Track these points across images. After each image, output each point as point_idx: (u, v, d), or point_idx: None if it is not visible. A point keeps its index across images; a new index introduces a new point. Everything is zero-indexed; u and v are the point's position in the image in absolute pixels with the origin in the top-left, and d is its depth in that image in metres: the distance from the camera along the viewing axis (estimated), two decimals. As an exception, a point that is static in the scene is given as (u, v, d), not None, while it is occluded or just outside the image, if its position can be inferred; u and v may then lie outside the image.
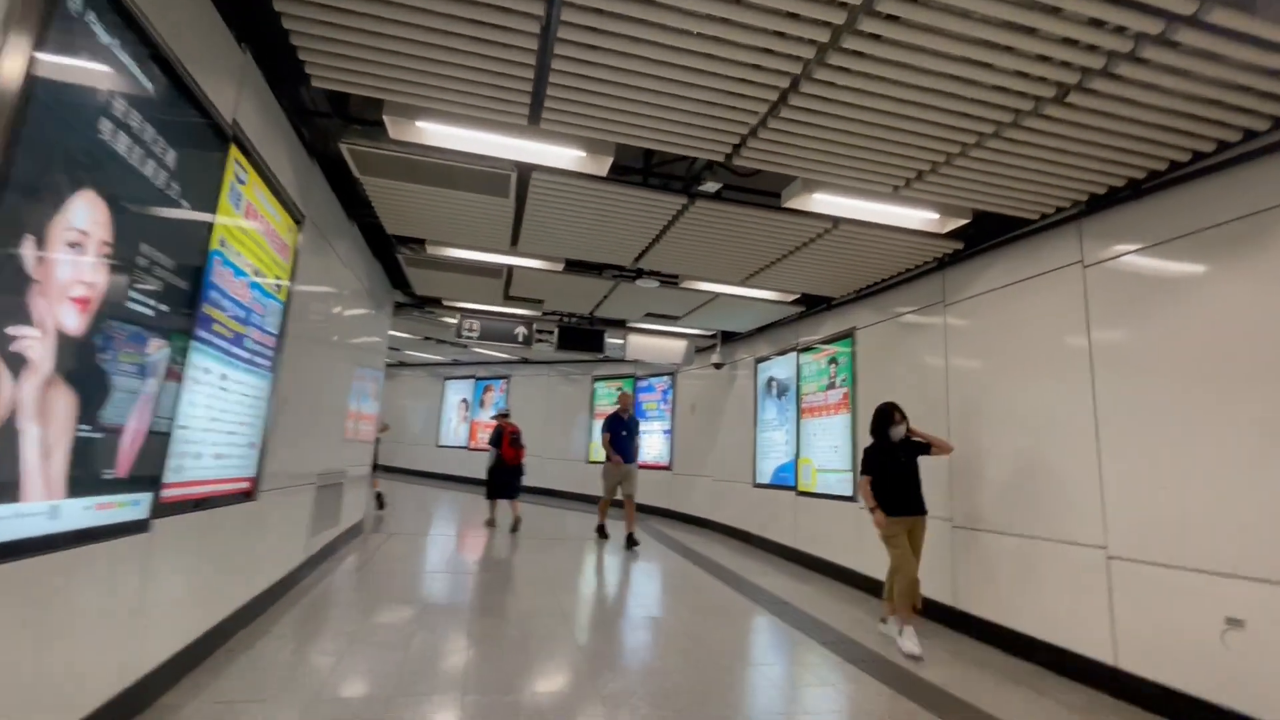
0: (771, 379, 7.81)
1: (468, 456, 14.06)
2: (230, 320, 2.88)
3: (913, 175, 3.39)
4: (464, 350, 12.54)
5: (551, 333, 8.84)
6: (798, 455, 6.94)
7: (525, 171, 3.83)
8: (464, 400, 14.63)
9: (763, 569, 6.36)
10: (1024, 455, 4.01)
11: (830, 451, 6.35)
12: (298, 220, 3.74)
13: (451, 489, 12.77)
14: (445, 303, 7.71)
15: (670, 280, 6.06)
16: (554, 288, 6.55)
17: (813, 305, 6.75)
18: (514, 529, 7.88)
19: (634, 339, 8.38)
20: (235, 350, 2.98)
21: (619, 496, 7.62)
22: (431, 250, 5.35)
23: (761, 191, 4.09)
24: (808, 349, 6.98)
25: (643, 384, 11.38)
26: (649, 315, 7.76)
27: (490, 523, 8.16)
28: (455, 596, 4.56)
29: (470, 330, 7.85)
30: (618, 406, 7.72)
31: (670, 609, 4.78)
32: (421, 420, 15.39)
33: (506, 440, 8.05)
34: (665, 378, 10.88)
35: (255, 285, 3.15)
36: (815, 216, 4.21)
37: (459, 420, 14.59)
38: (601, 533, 7.79)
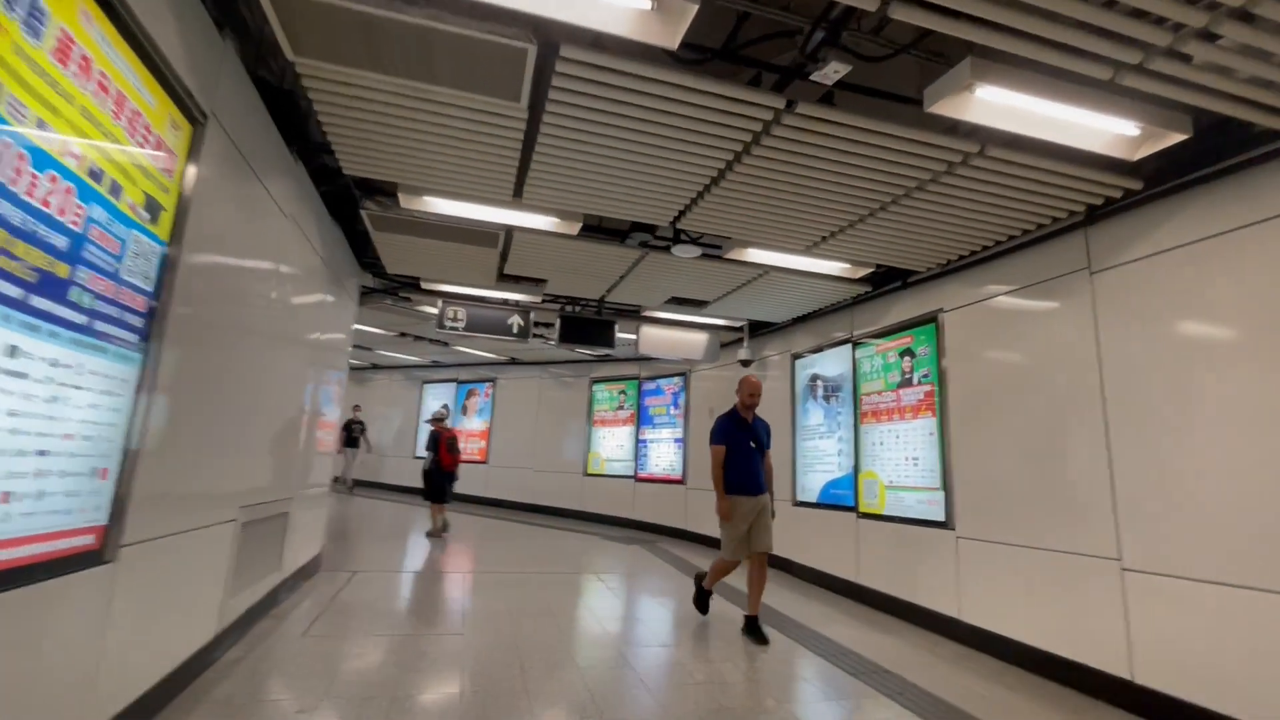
0: (816, 377, 6.58)
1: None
2: (23, 246, 1.54)
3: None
4: (445, 350, 11.14)
5: (552, 325, 7.53)
6: (857, 469, 5.71)
7: (547, 54, 2.54)
8: (445, 406, 13.15)
9: (823, 612, 5.09)
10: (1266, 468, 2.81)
11: (906, 465, 5.12)
12: (191, 115, 2.40)
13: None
14: (425, 285, 6.35)
15: (713, 250, 4.80)
16: (562, 262, 5.25)
17: (880, 285, 5.54)
18: (438, 533, 7.82)
19: (649, 331, 7.10)
20: (39, 302, 1.63)
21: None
22: (406, 201, 4.01)
23: (891, 97, 2.85)
24: (869, 339, 5.76)
25: (649, 386, 10.09)
26: (672, 301, 6.49)
27: (436, 531, 7.86)
28: (442, 681, 3.21)
29: (455, 320, 6.50)
30: (737, 401, 4.64)
31: (736, 676, 3.48)
32: (396, 429, 13.89)
33: (444, 446, 7.92)
34: (676, 379, 9.60)
35: (90, 192, 1.81)
36: (959, 136, 2.99)
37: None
38: (702, 605, 4.68)
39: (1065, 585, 3.64)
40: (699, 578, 4.76)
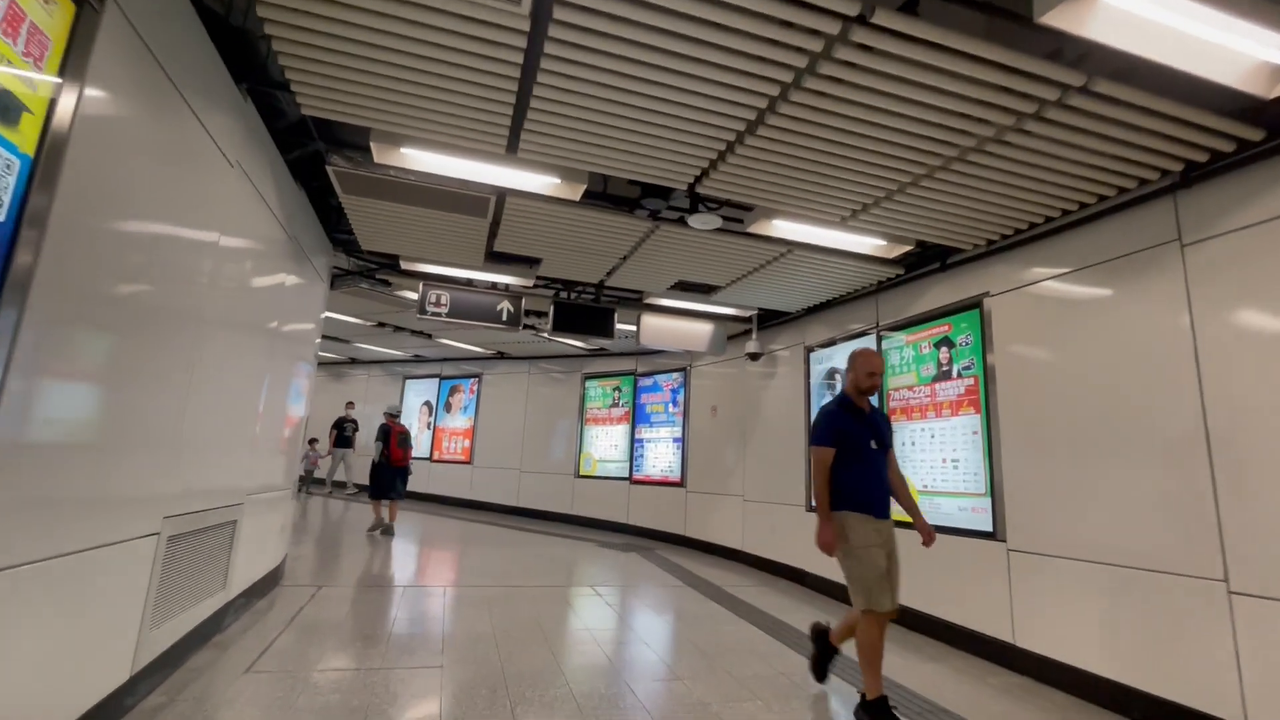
0: (834, 372, 6.03)
1: (431, 470, 11.92)
2: None
3: None
4: (427, 343, 10.46)
5: (544, 314, 6.91)
6: (884, 471, 5.16)
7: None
8: (427, 403, 12.50)
9: (851, 632, 4.53)
10: None
11: (944, 467, 4.59)
12: (75, -10, 1.77)
13: (409, 509, 10.64)
14: (405, 265, 5.71)
15: (734, 221, 4.23)
16: (560, 238, 4.64)
17: (914, 269, 5.00)
18: (386, 531, 7.67)
19: (651, 321, 6.51)
20: None
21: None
22: (381, 155, 3.39)
23: (984, 8, 2.29)
24: (897, 329, 5.23)
25: (645, 382, 9.49)
26: (678, 287, 5.91)
27: (376, 526, 7.85)
28: (411, 729, 2.60)
29: (438, 306, 5.86)
30: (847, 382, 3.24)
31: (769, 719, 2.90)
32: (374, 429, 13.15)
33: (394, 440, 7.79)
34: (675, 374, 9.02)
35: None
36: (1062, 65, 2.43)
37: (421, 427, 12.44)
38: (820, 670, 3.36)
39: (1153, 608, 3.11)
40: (819, 632, 3.40)
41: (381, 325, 9.07)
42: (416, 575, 5.75)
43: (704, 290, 6.06)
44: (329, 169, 3.67)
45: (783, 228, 4.10)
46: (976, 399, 4.38)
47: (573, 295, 6.54)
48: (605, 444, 9.79)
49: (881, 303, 5.49)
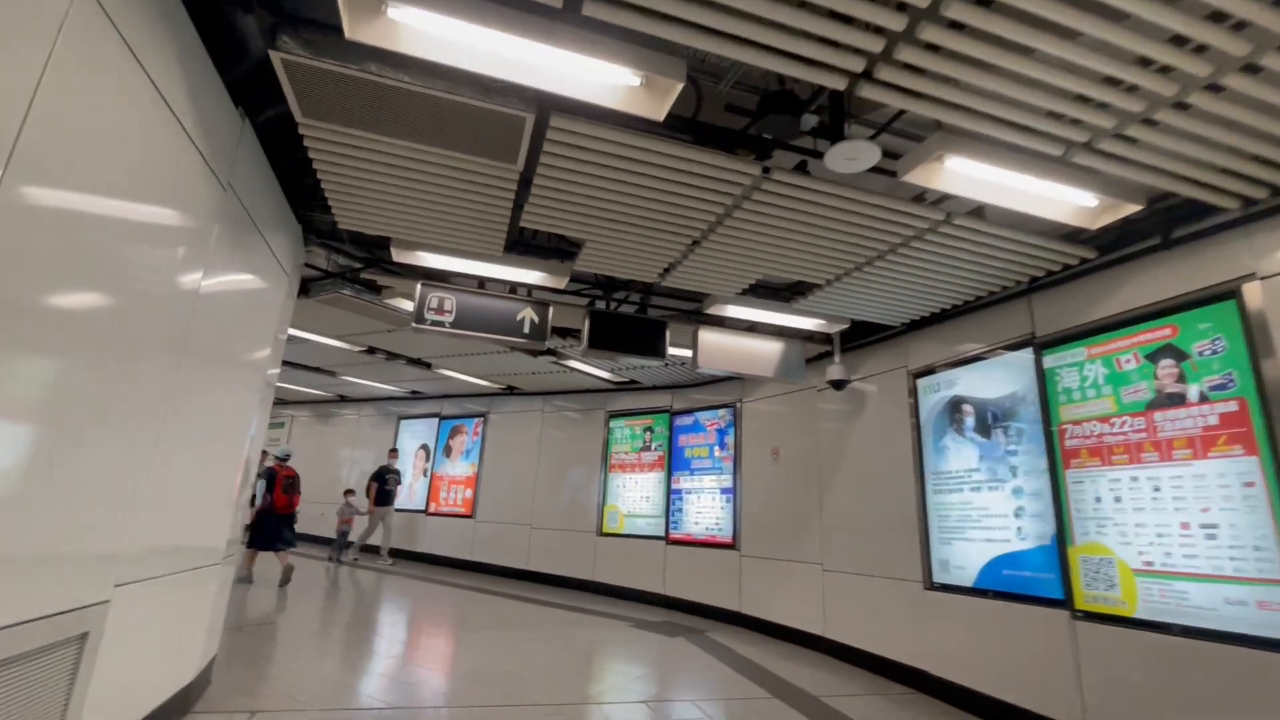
0: (961, 402, 4.58)
1: (427, 526, 10.30)
2: None
3: None
4: (426, 375, 9.02)
5: (575, 332, 5.52)
6: (1063, 537, 3.66)
7: None
8: (424, 447, 10.97)
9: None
10: None
11: (1189, 536, 3.08)
12: None
13: (400, 572, 8.96)
14: (398, 254, 4.29)
15: (890, 158, 2.85)
16: (616, 200, 3.26)
17: (1109, 249, 3.61)
18: (283, 582, 6.99)
19: (711, 339, 5.10)
20: None
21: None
22: (356, 28, 2.04)
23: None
24: (1072, 339, 3.80)
25: (683, 421, 8.00)
26: (753, 291, 4.53)
27: (246, 578, 7.12)
28: None
29: (440, 312, 4.46)
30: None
31: None
32: (366, 476, 11.59)
33: (280, 485, 7.28)
34: (721, 410, 7.54)
35: None
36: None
37: (416, 473, 10.88)
38: None
39: None
40: None
41: (372, 352, 7.65)
42: (399, 685, 4.14)
43: (787, 295, 4.67)
44: (275, 58, 2.31)
45: (960, 172, 2.71)
46: (1245, 433, 2.92)
47: (612, 305, 5.14)
48: (635, 495, 8.22)
49: (1038, 305, 4.08)
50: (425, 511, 10.40)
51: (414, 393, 10.94)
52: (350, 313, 5.91)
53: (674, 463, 7.93)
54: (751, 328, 5.39)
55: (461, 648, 5.10)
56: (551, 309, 4.75)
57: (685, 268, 4.09)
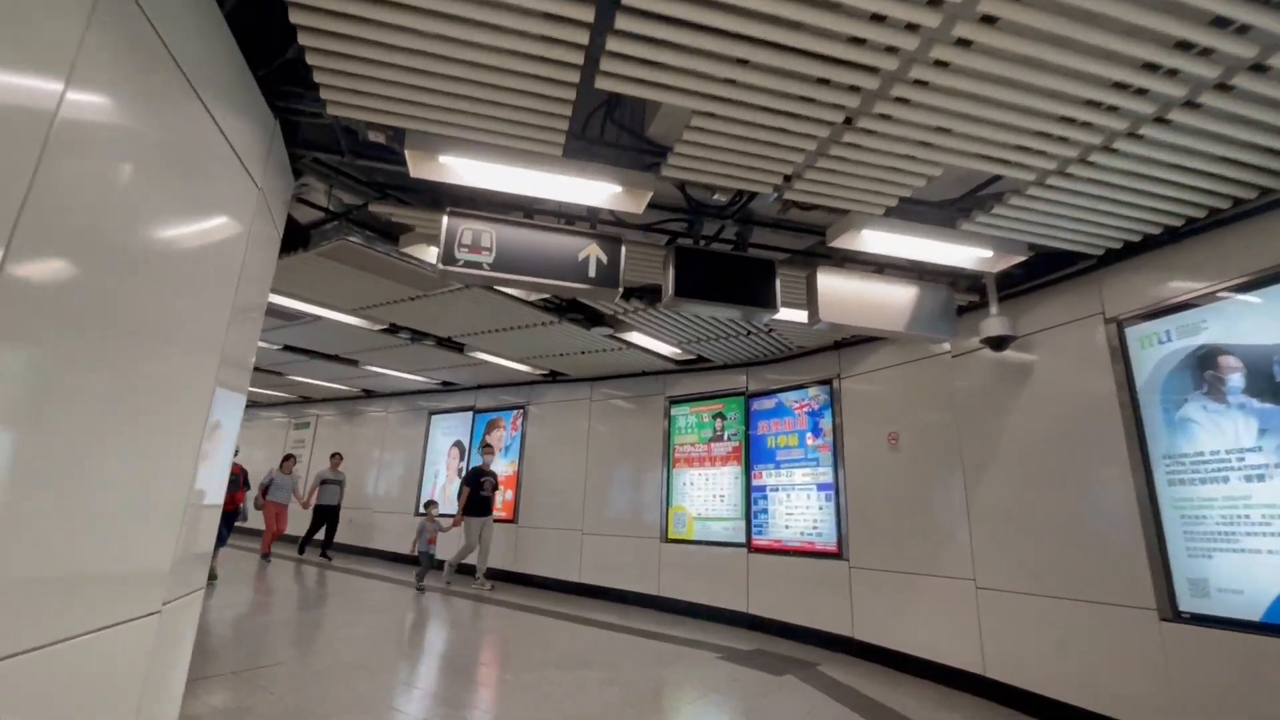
0: (1215, 355, 3.19)
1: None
2: None
3: None
4: (458, 362, 7.90)
5: (644, 292, 4.30)
6: None
7: None
8: (457, 444, 9.88)
9: None
10: None
11: None
12: None
13: (441, 588, 7.86)
14: (415, 164, 3.04)
15: None
16: (738, 53, 1.99)
17: None
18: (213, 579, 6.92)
19: (831, 284, 3.79)
20: None
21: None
22: None
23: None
24: None
25: (763, 404, 6.70)
26: (905, 208, 3.22)
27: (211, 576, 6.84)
28: None
29: (476, 250, 3.24)
30: None
31: None
32: (396, 478, 10.56)
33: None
34: (815, 389, 6.21)
35: None
36: None
37: (450, 474, 9.79)
38: None
39: None
40: None
41: (394, 331, 6.52)
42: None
43: (951, 213, 3.36)
44: None
45: None
46: None
47: (704, 242, 3.86)
48: (706, 495, 6.95)
49: (1376, 197, 2.69)
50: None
51: (445, 384, 9.84)
52: (364, 274, 4.76)
53: (753, 454, 6.63)
54: (879, 270, 4.05)
55: (518, 698, 3.90)
56: (624, 248, 3.50)
57: (825, 166, 2.80)
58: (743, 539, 6.46)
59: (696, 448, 7.17)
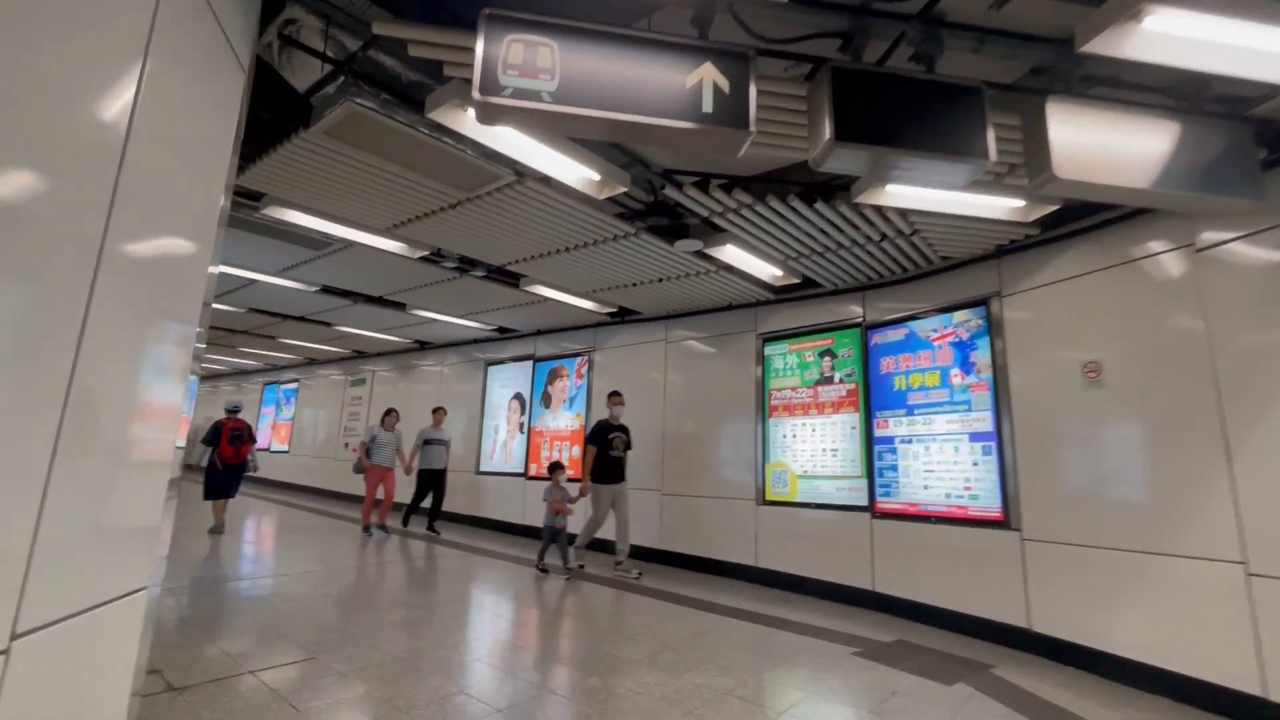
0: None
1: (526, 493, 8.36)
2: None
3: None
4: (515, 298, 6.89)
5: (749, 182, 3.03)
6: None
7: None
8: (517, 397, 9.00)
9: None
10: None
11: None
12: None
13: (502, 557, 7.07)
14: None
15: None
16: None
17: None
18: (212, 530, 7.30)
19: (1067, 121, 2.45)
20: None
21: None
22: None
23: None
24: None
25: (885, 335, 5.38)
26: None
27: (215, 529, 7.33)
28: None
29: (529, 72, 2.09)
30: None
31: None
32: (456, 436, 9.82)
33: (226, 436, 7.41)
34: (958, 315, 4.85)
35: None
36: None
37: (512, 430, 8.95)
38: None
39: None
40: None
41: (438, 259, 5.51)
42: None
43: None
44: None
45: None
46: None
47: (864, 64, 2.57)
48: (813, 448, 5.75)
49: None
50: (525, 475, 8.46)
51: (501, 330, 8.91)
52: (388, 171, 3.70)
53: (875, 398, 5.37)
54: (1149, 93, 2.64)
55: (603, 712, 2.91)
56: (752, 70, 2.25)
57: None
58: (863, 501, 5.27)
59: (799, 393, 5.94)
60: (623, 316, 7.52)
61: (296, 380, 14.40)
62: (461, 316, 8.02)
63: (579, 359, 8.19)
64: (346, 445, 12.07)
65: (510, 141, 2.94)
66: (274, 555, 6.55)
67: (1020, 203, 3.41)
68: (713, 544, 6.30)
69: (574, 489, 6.09)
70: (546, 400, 8.51)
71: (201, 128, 1.81)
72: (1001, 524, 4.33)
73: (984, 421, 4.55)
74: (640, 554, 6.79)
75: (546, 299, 6.65)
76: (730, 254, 4.79)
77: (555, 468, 6.20)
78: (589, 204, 4.11)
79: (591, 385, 7.96)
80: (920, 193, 3.24)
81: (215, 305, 7.94)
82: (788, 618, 4.70)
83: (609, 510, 6.12)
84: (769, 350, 6.28)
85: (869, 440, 5.32)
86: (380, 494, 7.93)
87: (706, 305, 6.68)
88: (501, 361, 9.30)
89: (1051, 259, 4.27)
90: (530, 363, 8.84)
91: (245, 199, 4.39)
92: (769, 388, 6.21)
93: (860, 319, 5.60)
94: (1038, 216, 3.64)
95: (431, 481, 8.07)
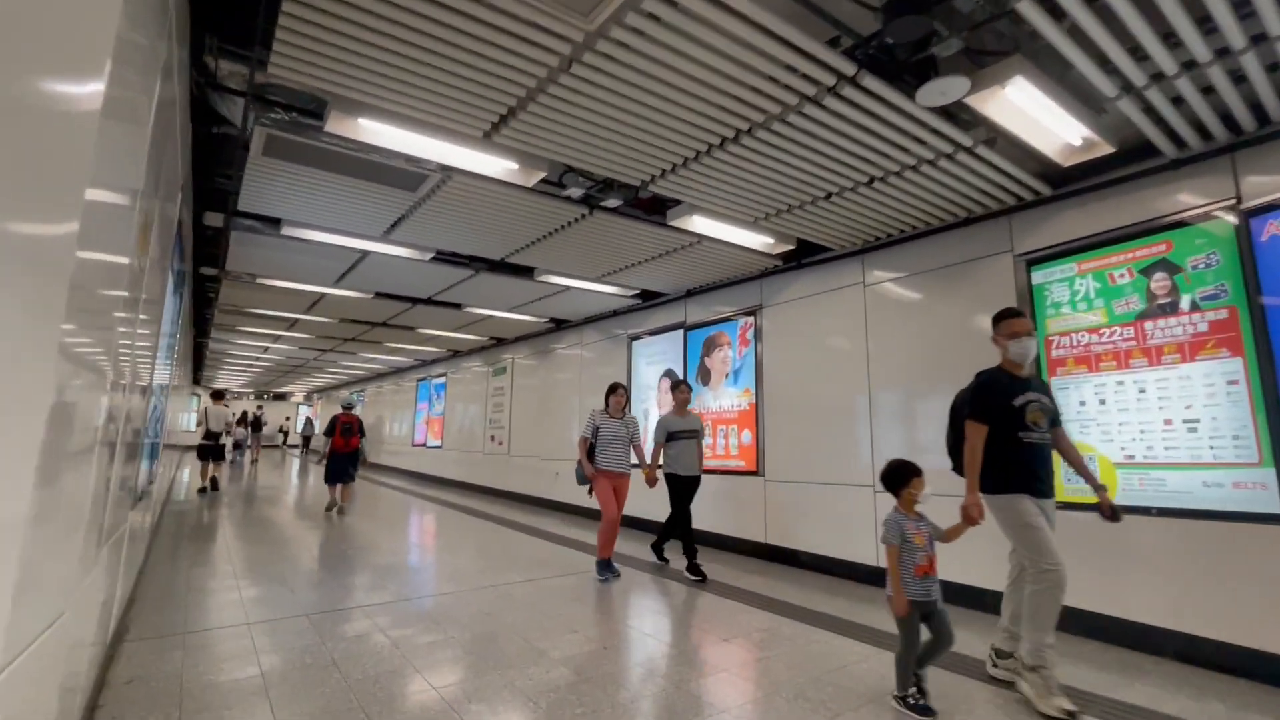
0: None
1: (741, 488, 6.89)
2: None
3: None
4: (664, 241, 5.43)
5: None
6: None
7: None
8: (668, 375, 7.56)
9: None
10: None
11: None
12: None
13: (648, 565, 5.66)
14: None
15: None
16: None
17: None
18: (333, 509, 8.34)
19: None
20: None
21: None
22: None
23: None
24: None
25: (1290, 225, 3.14)
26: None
27: (330, 506, 8.42)
28: None
29: None
30: None
31: None
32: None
33: (338, 430, 8.33)
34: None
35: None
36: None
37: (663, 409, 7.53)
38: None
39: None
40: None
41: (556, 189, 4.16)
42: None
43: None
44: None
45: None
46: None
47: None
48: (1140, 420, 3.63)
49: None
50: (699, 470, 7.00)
51: (643, 296, 7.52)
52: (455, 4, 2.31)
53: (1277, 328, 3.15)
54: None
55: None
56: None
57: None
58: (1273, 504, 3.09)
59: (1108, 334, 3.82)
60: (798, 259, 5.75)
61: (444, 374, 14.27)
62: (597, 280, 6.71)
63: (742, 321, 6.55)
64: (492, 438, 11.50)
65: None
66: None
67: None
68: (965, 569, 4.37)
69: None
70: (704, 375, 6.97)
71: None
72: None
73: None
74: (843, 573, 5.00)
75: (701, 239, 5.08)
76: (1013, 99, 2.87)
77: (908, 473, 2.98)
78: (769, 37, 2.45)
79: (760, 354, 6.28)
80: None
81: (344, 293, 7.35)
82: (1143, 703, 2.73)
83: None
84: (1040, 276, 4.19)
85: (1272, 403, 3.13)
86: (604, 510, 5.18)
87: (927, 222, 4.71)
88: (647, 333, 7.92)
89: None
90: (680, 331, 7.35)
91: (306, 115, 3.30)
92: (1043, 332, 4.13)
93: (1233, 198, 3.37)
94: None
95: (687, 494, 5.34)
